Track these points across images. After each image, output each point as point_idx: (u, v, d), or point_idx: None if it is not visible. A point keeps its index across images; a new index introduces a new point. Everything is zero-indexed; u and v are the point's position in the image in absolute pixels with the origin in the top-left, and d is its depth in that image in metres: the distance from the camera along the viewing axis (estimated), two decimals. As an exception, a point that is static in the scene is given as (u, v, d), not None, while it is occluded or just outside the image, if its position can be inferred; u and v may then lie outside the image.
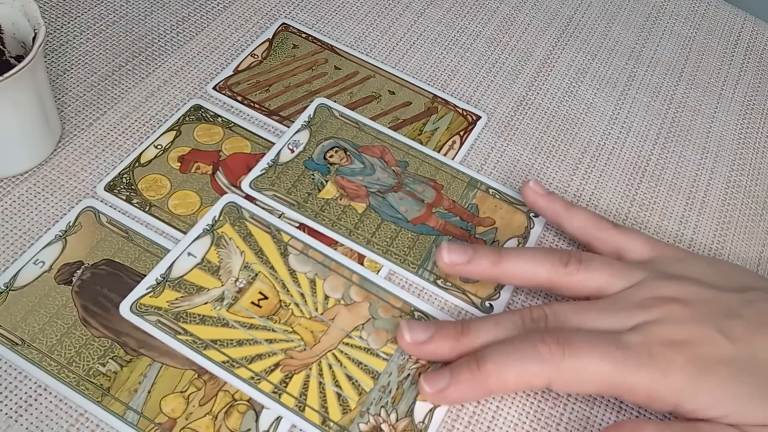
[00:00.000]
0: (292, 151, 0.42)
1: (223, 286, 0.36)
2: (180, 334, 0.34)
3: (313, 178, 0.41)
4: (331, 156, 0.42)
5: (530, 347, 0.31)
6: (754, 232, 0.44)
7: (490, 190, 0.42)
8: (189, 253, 0.37)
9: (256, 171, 0.41)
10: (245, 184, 0.40)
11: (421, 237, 0.39)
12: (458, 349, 0.33)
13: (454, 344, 0.33)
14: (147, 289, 0.35)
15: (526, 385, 0.32)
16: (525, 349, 0.32)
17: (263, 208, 0.39)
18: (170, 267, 0.36)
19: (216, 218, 0.38)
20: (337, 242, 0.39)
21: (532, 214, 0.42)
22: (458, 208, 0.41)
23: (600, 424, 0.35)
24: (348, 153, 0.42)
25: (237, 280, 0.36)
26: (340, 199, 0.40)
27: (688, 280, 0.34)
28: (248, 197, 0.39)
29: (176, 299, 0.35)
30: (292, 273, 0.37)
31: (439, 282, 0.38)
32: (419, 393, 0.33)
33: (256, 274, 0.36)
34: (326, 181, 0.41)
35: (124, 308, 0.34)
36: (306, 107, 0.44)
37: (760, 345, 0.32)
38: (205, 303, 0.35)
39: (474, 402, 0.34)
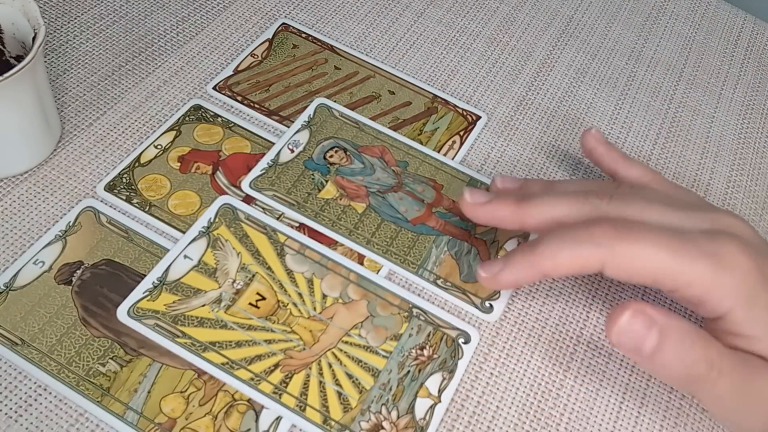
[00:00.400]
0: (292, 151, 0.42)
1: (220, 288, 0.36)
2: (178, 337, 0.34)
3: (313, 178, 0.41)
4: (331, 156, 0.42)
5: (585, 231, 0.31)
6: (754, 231, 0.44)
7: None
8: (185, 256, 0.37)
9: (256, 171, 0.41)
10: (245, 184, 0.40)
11: (421, 237, 0.39)
12: (518, 214, 0.33)
13: (514, 208, 0.33)
14: (144, 293, 0.35)
15: (580, 267, 0.31)
16: (579, 232, 0.31)
17: (263, 209, 0.39)
18: (167, 270, 0.36)
19: (211, 220, 0.38)
20: (336, 242, 0.38)
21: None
22: (458, 208, 0.41)
23: (600, 425, 0.35)
24: (348, 153, 0.42)
25: (234, 281, 0.36)
26: (340, 199, 0.40)
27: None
28: (247, 198, 0.39)
29: (174, 302, 0.35)
30: (290, 273, 0.37)
31: (438, 282, 0.38)
32: (478, 280, 0.34)
33: (254, 275, 0.36)
34: (326, 181, 0.41)
35: (122, 312, 0.34)
36: (306, 107, 0.44)
37: None
38: (203, 305, 0.35)
39: (475, 402, 0.34)
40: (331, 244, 0.38)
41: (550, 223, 0.33)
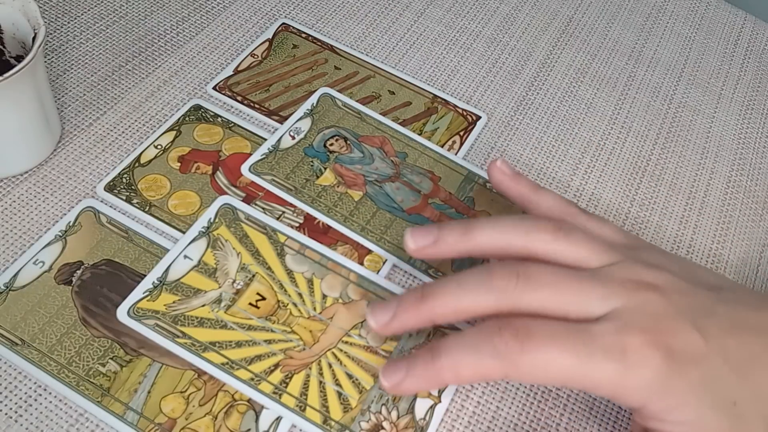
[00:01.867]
0: (293, 137, 0.42)
1: (220, 288, 0.36)
2: (178, 337, 0.34)
3: (312, 165, 0.41)
4: (331, 144, 0.42)
5: (486, 341, 0.30)
6: (754, 232, 0.44)
7: (488, 184, 0.42)
8: (185, 256, 0.37)
9: (257, 156, 0.41)
10: (245, 168, 0.40)
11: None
12: (423, 316, 0.32)
13: (416, 313, 0.32)
14: (144, 293, 0.35)
15: (482, 378, 0.31)
16: (480, 343, 0.30)
17: (263, 209, 0.39)
18: (167, 270, 0.36)
19: (211, 220, 0.38)
20: (336, 242, 0.39)
21: (531, 213, 0.42)
22: (454, 200, 0.41)
23: (600, 425, 0.35)
24: (348, 142, 0.43)
25: (234, 281, 0.36)
26: (337, 187, 0.41)
27: (665, 270, 0.32)
28: (247, 198, 0.39)
29: (173, 302, 0.35)
30: (290, 273, 0.37)
31: (430, 271, 0.38)
32: (380, 387, 0.33)
33: (254, 275, 0.36)
34: (325, 169, 0.41)
35: (122, 313, 0.34)
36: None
37: (732, 347, 0.30)
38: (203, 305, 0.35)
39: (475, 402, 0.34)
40: (331, 244, 0.38)
41: (459, 316, 0.32)
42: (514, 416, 0.34)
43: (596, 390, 0.29)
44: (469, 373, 0.30)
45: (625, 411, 0.35)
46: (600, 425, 0.35)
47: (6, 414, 0.31)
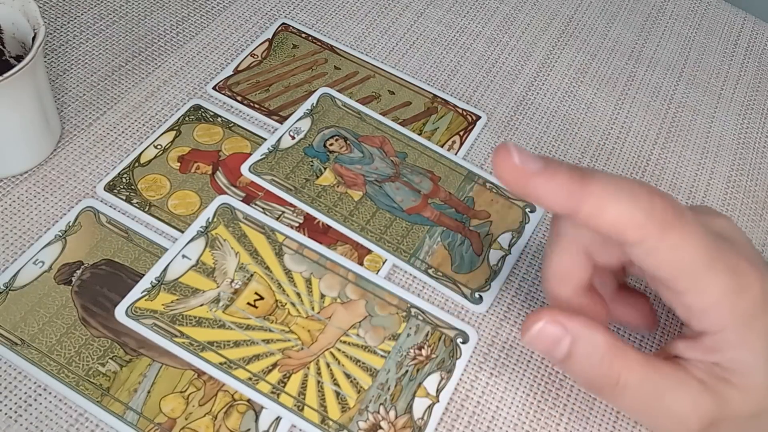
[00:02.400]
0: (293, 137, 0.42)
1: (218, 287, 0.36)
2: (176, 336, 0.34)
3: (311, 165, 0.41)
4: (331, 144, 0.42)
5: (647, 198, 0.27)
6: (754, 232, 0.44)
7: (487, 184, 0.42)
8: (183, 256, 0.37)
9: (257, 156, 0.41)
10: (245, 168, 0.40)
11: (415, 227, 0.40)
12: (570, 196, 0.27)
13: (568, 187, 0.27)
14: (142, 293, 0.35)
15: (617, 232, 0.27)
16: (642, 196, 0.27)
17: (262, 209, 0.39)
18: (165, 270, 0.36)
19: (210, 220, 0.38)
20: (335, 242, 0.39)
21: (527, 209, 0.42)
22: (454, 200, 0.41)
23: (600, 425, 0.35)
24: (348, 142, 0.43)
25: (232, 281, 0.36)
26: (337, 187, 0.41)
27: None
28: (247, 198, 0.39)
29: (172, 302, 0.35)
30: (288, 273, 0.37)
31: (430, 271, 0.38)
32: (496, 166, 0.27)
33: (252, 275, 0.37)
34: (324, 169, 0.41)
35: (120, 312, 0.34)
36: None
37: None
38: (201, 305, 0.35)
39: (474, 402, 0.34)
40: (331, 244, 0.38)
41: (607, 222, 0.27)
42: (514, 416, 0.34)
43: (699, 296, 0.28)
44: (613, 218, 0.26)
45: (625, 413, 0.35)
46: (600, 425, 0.35)
47: (6, 414, 0.31)
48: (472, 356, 0.36)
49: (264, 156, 0.41)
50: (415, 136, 0.44)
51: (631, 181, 0.28)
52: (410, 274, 0.38)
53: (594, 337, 0.29)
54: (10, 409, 0.31)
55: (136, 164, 0.40)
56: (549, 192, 0.27)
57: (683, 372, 0.29)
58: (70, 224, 0.37)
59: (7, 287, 0.35)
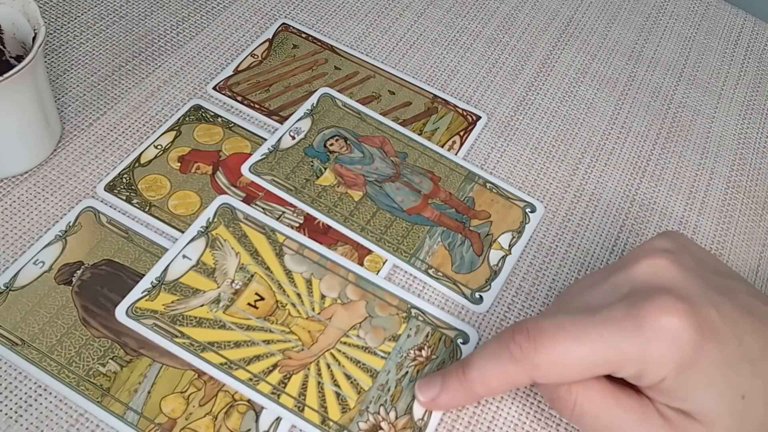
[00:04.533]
0: (293, 137, 0.42)
1: (218, 288, 0.36)
2: (177, 337, 0.34)
3: (312, 165, 0.41)
4: (331, 144, 0.43)
5: (504, 348, 0.30)
6: (754, 232, 0.44)
7: (488, 184, 0.42)
8: (184, 256, 0.37)
9: (257, 156, 0.41)
10: (245, 168, 0.40)
11: (415, 227, 0.40)
12: (466, 390, 0.32)
13: (459, 387, 0.32)
14: (142, 293, 0.35)
15: (512, 386, 0.31)
16: (500, 351, 0.30)
17: (262, 209, 0.39)
18: (165, 270, 0.36)
19: (210, 220, 0.38)
20: (335, 242, 0.39)
21: (527, 210, 0.42)
22: (454, 200, 0.41)
23: (599, 425, 0.35)
24: (348, 142, 0.43)
25: (233, 281, 0.36)
26: (338, 187, 0.41)
27: (682, 251, 0.31)
28: (247, 198, 0.39)
29: (172, 302, 0.35)
30: (288, 273, 0.37)
31: (430, 272, 0.38)
32: (418, 402, 0.33)
33: (252, 275, 0.37)
34: (325, 169, 0.41)
35: (120, 312, 0.34)
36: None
37: (747, 332, 0.29)
38: (201, 305, 0.35)
39: (472, 404, 0.34)
40: (331, 244, 0.38)
41: (500, 390, 0.32)
42: (514, 416, 0.34)
43: (622, 371, 0.28)
44: (498, 383, 0.30)
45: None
46: (599, 425, 0.35)
47: (6, 414, 0.31)
48: (472, 356, 0.36)
49: (264, 156, 0.41)
50: (415, 136, 0.44)
51: (491, 342, 0.31)
52: (410, 275, 0.38)
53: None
54: (11, 409, 0.31)
55: (137, 164, 0.40)
56: (453, 401, 0.32)
57: (647, 408, 0.29)
58: (71, 224, 0.37)
59: (7, 287, 0.35)
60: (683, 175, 0.46)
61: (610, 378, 0.30)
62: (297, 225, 0.39)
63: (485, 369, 0.30)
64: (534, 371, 0.29)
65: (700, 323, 0.28)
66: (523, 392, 0.35)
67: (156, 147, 0.41)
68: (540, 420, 0.35)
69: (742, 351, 0.28)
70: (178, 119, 0.42)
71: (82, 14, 0.47)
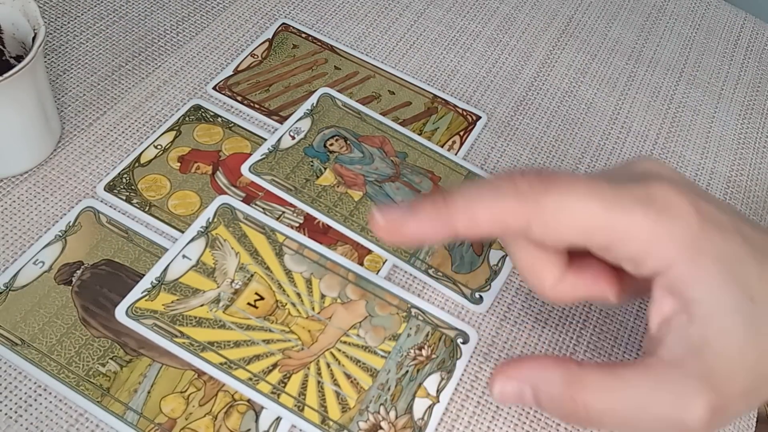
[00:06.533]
0: (293, 137, 0.42)
1: (218, 287, 0.36)
2: (176, 337, 0.34)
3: (312, 165, 0.41)
4: (331, 144, 0.43)
5: (507, 182, 0.26)
6: (754, 232, 0.44)
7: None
8: (184, 256, 0.37)
9: (257, 156, 0.41)
10: (245, 168, 0.40)
11: None
12: (442, 219, 0.27)
13: (433, 214, 0.27)
14: (142, 293, 0.35)
15: (500, 225, 0.27)
16: (501, 184, 0.26)
17: (262, 209, 0.39)
18: (165, 270, 0.36)
19: (210, 220, 0.38)
20: (335, 242, 0.39)
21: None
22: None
23: (599, 424, 0.35)
24: (348, 142, 0.43)
25: (233, 281, 0.36)
26: (337, 187, 0.41)
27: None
28: (247, 198, 0.39)
29: (172, 302, 0.35)
30: (288, 273, 0.37)
31: (430, 272, 0.38)
32: (372, 228, 0.28)
33: (252, 275, 0.37)
34: (325, 169, 0.41)
35: (120, 312, 0.34)
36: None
37: (748, 232, 0.26)
38: (201, 305, 0.35)
39: (475, 402, 0.34)
40: (331, 244, 0.38)
41: (488, 225, 0.27)
42: (514, 416, 0.34)
43: (624, 244, 0.26)
44: (487, 216, 0.26)
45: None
46: (599, 425, 0.35)
47: (6, 414, 0.31)
48: (472, 356, 0.36)
49: (264, 156, 0.41)
50: (415, 136, 0.44)
51: (491, 180, 0.27)
52: (410, 275, 0.38)
53: (550, 378, 0.27)
54: (10, 409, 0.31)
55: (137, 164, 0.40)
56: (419, 230, 0.27)
57: (655, 372, 0.26)
58: (71, 224, 0.37)
59: (7, 287, 0.35)
60: (683, 175, 0.46)
61: (603, 365, 0.27)
62: (297, 225, 0.39)
63: (476, 198, 0.27)
64: (535, 214, 0.26)
65: (703, 211, 0.26)
66: (523, 392, 0.35)
67: (156, 147, 0.41)
68: (540, 420, 0.35)
69: (749, 247, 0.26)
70: (178, 119, 0.42)
71: (82, 14, 0.47)
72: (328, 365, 0.34)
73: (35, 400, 0.32)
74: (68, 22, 0.47)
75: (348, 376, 0.34)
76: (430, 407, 0.34)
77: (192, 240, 0.37)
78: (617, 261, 0.27)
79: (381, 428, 0.33)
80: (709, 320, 0.25)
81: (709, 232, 0.25)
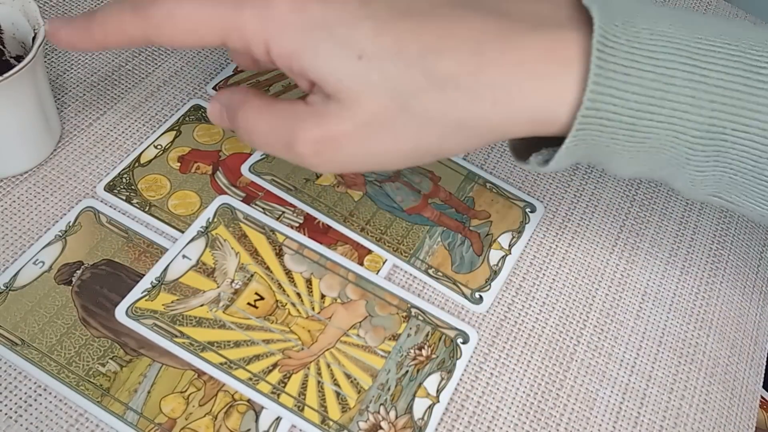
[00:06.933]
0: None
1: (218, 287, 0.36)
2: (176, 337, 0.34)
3: None
4: None
5: None
6: (754, 232, 0.44)
7: (488, 184, 0.42)
8: (184, 256, 0.37)
9: (257, 155, 0.41)
10: (245, 168, 0.40)
11: (415, 227, 0.40)
12: (136, 25, 0.28)
13: (127, 19, 0.28)
14: (142, 293, 0.35)
15: (125, 39, 0.28)
16: None
17: (262, 209, 0.39)
18: (165, 270, 0.36)
19: (210, 220, 0.38)
20: (335, 242, 0.39)
21: (528, 210, 0.42)
22: (454, 200, 0.41)
23: (600, 425, 0.35)
24: None
25: (233, 281, 0.36)
26: (337, 186, 0.41)
27: None
28: (247, 198, 0.39)
29: (172, 302, 0.35)
30: (288, 273, 0.37)
31: (430, 272, 0.38)
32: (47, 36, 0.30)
33: (252, 275, 0.37)
34: None
35: (120, 312, 0.34)
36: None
37: None
38: (201, 305, 0.35)
39: (475, 402, 0.34)
40: (331, 244, 0.38)
41: (185, 35, 0.28)
42: (514, 416, 0.34)
43: (242, 38, 0.27)
44: (186, 19, 0.27)
45: (625, 412, 0.35)
46: (600, 425, 0.35)
47: (6, 414, 0.31)
48: (472, 356, 0.36)
49: (264, 156, 0.41)
50: (415, 136, 0.44)
51: None
52: (410, 274, 0.38)
53: (234, 98, 0.30)
54: (10, 409, 0.31)
55: (136, 164, 0.40)
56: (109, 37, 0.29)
57: (294, 108, 0.28)
58: (70, 224, 0.37)
59: (7, 287, 0.35)
60: (683, 174, 0.46)
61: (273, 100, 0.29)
62: (297, 225, 0.39)
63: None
64: (147, 25, 0.27)
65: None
66: (524, 392, 0.35)
67: (156, 147, 0.41)
68: (540, 420, 0.35)
69: (362, 12, 0.26)
70: (178, 119, 0.42)
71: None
72: (328, 365, 0.34)
73: (35, 400, 0.32)
74: (68, 22, 0.47)
75: (348, 376, 0.34)
76: (430, 407, 0.34)
77: (192, 240, 0.37)
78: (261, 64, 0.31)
79: (381, 428, 0.33)
80: (324, 80, 0.27)
81: (306, 5, 0.26)
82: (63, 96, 0.43)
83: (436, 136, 0.27)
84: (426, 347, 0.36)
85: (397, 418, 0.33)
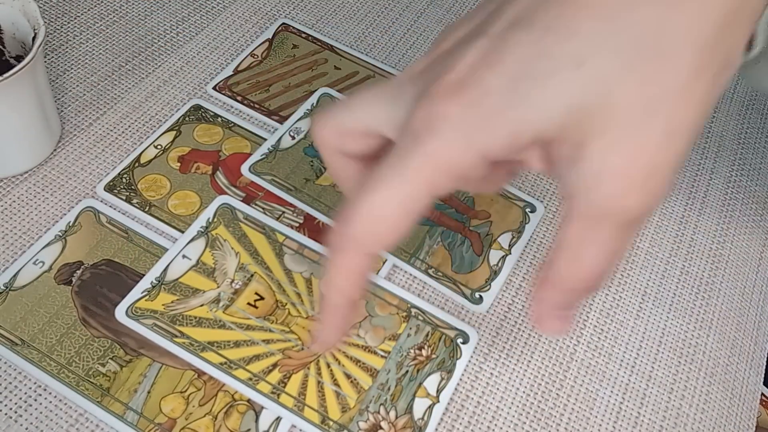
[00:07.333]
0: (293, 137, 0.42)
1: (218, 287, 0.36)
2: (176, 337, 0.34)
3: (312, 165, 0.41)
4: None
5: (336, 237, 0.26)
6: (754, 232, 0.44)
7: (489, 188, 0.42)
8: (184, 256, 0.37)
9: (257, 156, 0.41)
10: (245, 168, 0.40)
11: (415, 227, 0.40)
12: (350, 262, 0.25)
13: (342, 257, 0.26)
14: (142, 293, 0.35)
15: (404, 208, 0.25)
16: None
17: (262, 209, 0.39)
18: (165, 270, 0.36)
19: (210, 220, 0.38)
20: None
21: (527, 210, 0.42)
22: (454, 200, 0.41)
23: (600, 425, 0.35)
24: None
25: (233, 281, 0.36)
26: (337, 187, 0.41)
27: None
28: (247, 198, 0.39)
29: (172, 302, 0.35)
30: (288, 273, 0.37)
31: (430, 272, 0.38)
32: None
33: (252, 275, 0.37)
34: (325, 168, 0.41)
35: (120, 312, 0.34)
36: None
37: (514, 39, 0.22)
38: (201, 305, 0.35)
39: (475, 402, 0.34)
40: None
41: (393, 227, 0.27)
42: (514, 416, 0.34)
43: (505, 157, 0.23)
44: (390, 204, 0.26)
45: (625, 412, 0.35)
46: (600, 425, 0.35)
47: (6, 414, 0.31)
48: (472, 356, 0.36)
49: (264, 156, 0.41)
50: (415, 136, 0.44)
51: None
52: (410, 275, 0.38)
53: None
54: (10, 409, 0.31)
55: (136, 164, 0.40)
56: (336, 328, 0.27)
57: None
58: (70, 224, 0.37)
59: (7, 287, 0.35)
60: (683, 175, 0.46)
61: None
62: (297, 225, 0.39)
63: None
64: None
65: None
66: (524, 392, 0.35)
67: (156, 147, 0.41)
68: (540, 420, 0.35)
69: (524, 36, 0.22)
70: (178, 119, 0.42)
71: (82, 14, 0.47)
72: (328, 365, 0.34)
73: (35, 400, 0.32)
74: (68, 22, 0.47)
75: (348, 376, 0.34)
76: (430, 407, 0.34)
77: (192, 240, 0.37)
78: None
79: (381, 428, 0.33)
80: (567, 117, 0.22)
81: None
82: (63, 96, 0.43)
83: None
84: (426, 347, 0.36)
85: (397, 418, 0.33)
